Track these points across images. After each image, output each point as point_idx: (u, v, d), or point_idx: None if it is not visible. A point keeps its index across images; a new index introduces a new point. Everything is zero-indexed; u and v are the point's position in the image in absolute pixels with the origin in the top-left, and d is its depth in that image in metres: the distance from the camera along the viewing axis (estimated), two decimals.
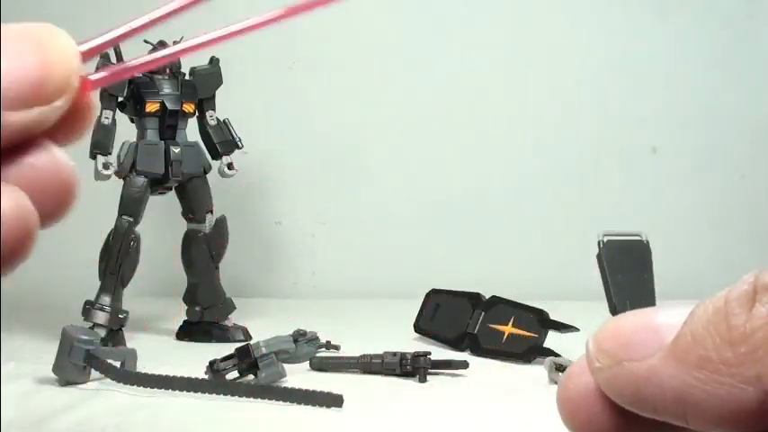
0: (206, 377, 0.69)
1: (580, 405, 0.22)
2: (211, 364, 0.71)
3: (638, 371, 0.19)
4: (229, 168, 1.01)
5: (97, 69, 0.79)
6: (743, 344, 0.17)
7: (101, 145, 0.92)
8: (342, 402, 0.62)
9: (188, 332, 0.98)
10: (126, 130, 0.97)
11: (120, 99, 0.94)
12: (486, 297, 0.88)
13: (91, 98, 0.19)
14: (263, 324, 1.01)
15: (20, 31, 0.20)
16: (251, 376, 0.70)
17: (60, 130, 0.19)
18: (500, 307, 0.86)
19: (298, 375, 0.72)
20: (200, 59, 1.00)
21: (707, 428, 0.19)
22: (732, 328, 0.18)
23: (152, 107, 0.94)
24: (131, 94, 0.95)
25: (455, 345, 0.88)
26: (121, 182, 0.93)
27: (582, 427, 0.22)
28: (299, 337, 0.76)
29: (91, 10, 1.44)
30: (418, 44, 1.42)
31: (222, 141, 1.00)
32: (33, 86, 0.18)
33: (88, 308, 0.91)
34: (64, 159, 0.19)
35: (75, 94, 0.19)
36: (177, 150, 0.95)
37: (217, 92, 1.01)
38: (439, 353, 0.84)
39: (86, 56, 0.19)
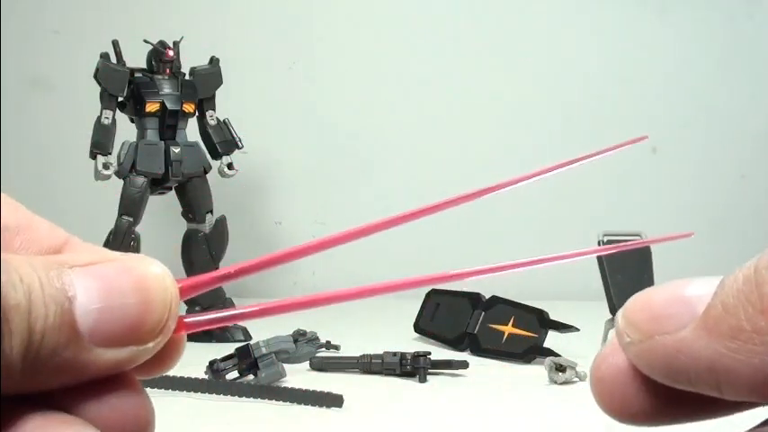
0: (206, 377, 0.69)
1: (614, 386, 0.21)
2: (211, 364, 0.70)
3: (669, 343, 0.19)
4: (229, 168, 1.01)
5: (97, 70, 0.81)
6: None
7: (101, 145, 0.92)
8: (342, 402, 0.62)
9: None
10: (126, 131, 0.97)
11: (120, 99, 0.94)
12: (486, 297, 0.88)
13: (183, 337, 0.18)
14: (263, 324, 1.01)
15: (120, 265, 0.19)
16: (251, 376, 0.70)
17: (145, 364, 0.18)
18: (500, 307, 0.86)
19: (298, 375, 0.72)
20: (199, 59, 1.00)
21: (741, 398, 0.19)
22: (763, 296, 0.18)
23: (152, 107, 0.94)
24: (131, 93, 0.95)
25: (455, 345, 0.88)
26: (121, 182, 0.93)
27: (617, 409, 0.22)
28: (299, 337, 0.76)
29: (91, 10, 1.44)
30: (418, 44, 1.42)
31: (222, 141, 1.00)
32: (130, 328, 0.17)
33: None
34: (145, 401, 0.18)
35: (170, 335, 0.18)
36: (177, 150, 0.95)
37: (217, 92, 1.01)
38: (439, 353, 0.84)
39: (183, 295, 0.18)
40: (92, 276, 0.17)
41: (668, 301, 0.20)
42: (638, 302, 0.21)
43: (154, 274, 0.19)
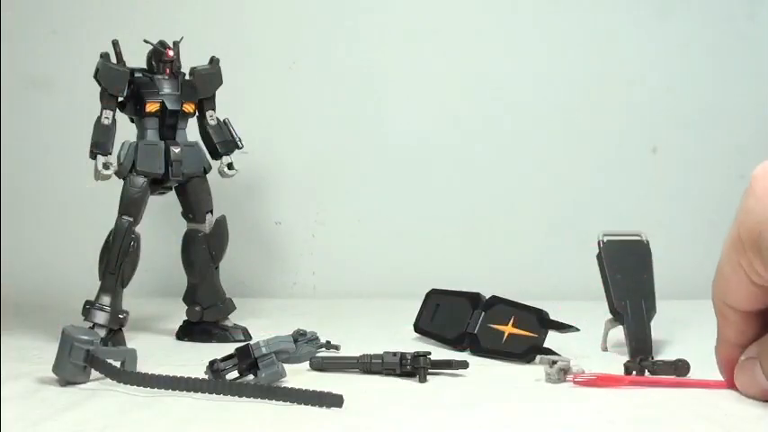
0: (206, 377, 0.69)
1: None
2: (211, 364, 0.71)
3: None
4: (229, 168, 1.01)
5: (97, 70, 0.82)
6: None
7: (101, 145, 0.92)
8: (342, 402, 0.62)
9: (188, 332, 0.98)
10: (126, 131, 0.97)
11: (120, 99, 0.94)
12: (486, 297, 0.88)
13: None
14: (263, 324, 1.01)
15: None
16: (251, 376, 0.70)
17: None
18: (500, 307, 0.86)
19: (298, 375, 0.72)
20: (200, 59, 1.00)
21: None
22: None
23: (152, 107, 0.94)
24: (131, 93, 0.95)
25: (455, 345, 0.88)
26: (121, 182, 0.93)
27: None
28: (299, 337, 0.76)
29: (91, 10, 1.44)
30: (419, 44, 1.42)
31: (222, 141, 1.00)
32: None
33: (88, 308, 0.91)
34: None
35: None
36: (177, 150, 0.95)
37: (217, 92, 1.01)
38: (439, 353, 0.84)
39: None
40: None
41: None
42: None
43: None
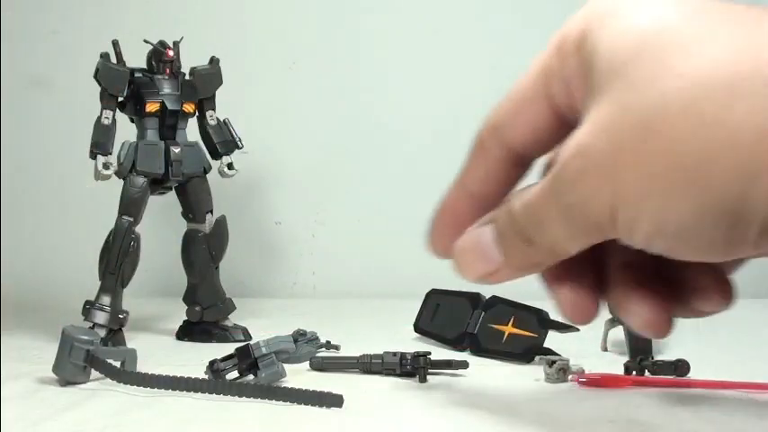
0: (206, 377, 0.69)
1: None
2: (211, 364, 0.71)
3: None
4: (229, 168, 1.01)
5: (97, 70, 0.82)
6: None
7: (101, 145, 0.92)
8: (342, 402, 0.62)
9: (188, 332, 0.98)
10: (126, 131, 0.97)
11: (120, 99, 0.94)
12: (486, 297, 0.88)
13: None
14: (263, 324, 1.01)
15: None
16: (251, 376, 0.70)
17: None
18: (500, 307, 0.86)
19: (298, 375, 0.72)
20: (200, 59, 1.00)
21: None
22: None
23: (152, 107, 0.94)
24: (131, 93, 0.95)
25: (455, 345, 0.88)
26: (121, 182, 0.93)
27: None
28: (299, 337, 0.76)
29: (91, 10, 1.44)
30: (419, 43, 1.42)
31: (222, 141, 1.00)
32: None
33: (88, 308, 0.91)
34: None
35: None
36: (177, 150, 0.95)
37: (217, 92, 1.01)
38: (439, 353, 0.84)
39: None
40: None
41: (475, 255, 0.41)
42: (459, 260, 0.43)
43: None
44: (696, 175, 0.31)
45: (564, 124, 0.38)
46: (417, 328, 0.94)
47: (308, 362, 0.77)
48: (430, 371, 0.73)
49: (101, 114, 0.93)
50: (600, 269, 0.40)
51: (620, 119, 0.32)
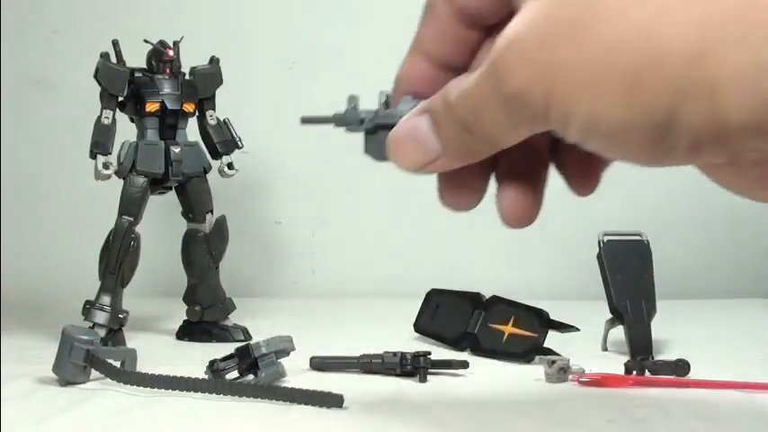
0: (206, 377, 0.69)
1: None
2: (211, 364, 0.71)
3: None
4: (229, 168, 1.01)
5: (97, 69, 0.82)
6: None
7: (101, 145, 0.92)
8: (342, 402, 0.62)
9: (188, 332, 0.98)
10: (126, 131, 0.97)
11: (120, 99, 0.94)
12: (486, 297, 0.88)
13: None
14: (263, 324, 1.01)
15: None
16: (251, 376, 0.70)
17: None
18: (500, 307, 0.86)
19: (298, 375, 0.72)
20: (200, 59, 1.00)
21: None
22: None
23: (152, 107, 0.94)
24: (131, 93, 0.95)
25: (455, 345, 0.88)
26: (121, 182, 0.93)
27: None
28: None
29: (91, 10, 1.44)
30: None
31: (222, 141, 1.00)
32: None
33: (88, 308, 0.91)
34: None
35: None
36: (177, 150, 0.95)
37: (217, 92, 1.01)
38: (439, 353, 0.84)
39: None
40: None
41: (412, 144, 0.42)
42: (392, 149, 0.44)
43: None
44: (626, 84, 0.30)
45: None
46: (417, 327, 0.94)
47: (308, 362, 0.77)
48: (430, 371, 0.73)
49: (101, 114, 0.93)
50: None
51: (556, 14, 0.32)
